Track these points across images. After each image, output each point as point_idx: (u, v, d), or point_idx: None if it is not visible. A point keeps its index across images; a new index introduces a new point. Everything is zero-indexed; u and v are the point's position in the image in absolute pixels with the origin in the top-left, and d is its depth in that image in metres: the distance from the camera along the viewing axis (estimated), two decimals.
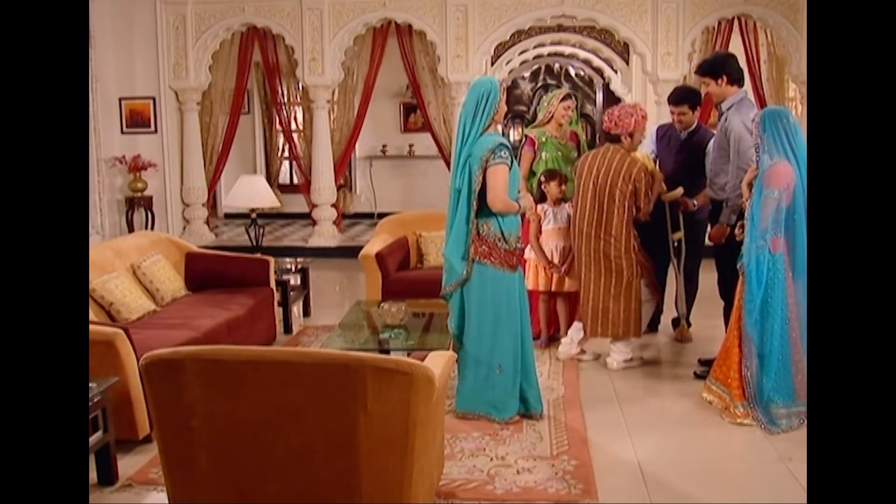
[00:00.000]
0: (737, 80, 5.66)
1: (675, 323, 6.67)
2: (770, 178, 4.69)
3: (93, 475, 4.12)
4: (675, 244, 6.42)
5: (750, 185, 4.84)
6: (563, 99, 6.53)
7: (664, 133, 6.61)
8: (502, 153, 4.65)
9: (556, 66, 16.65)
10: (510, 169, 4.69)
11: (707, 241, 5.87)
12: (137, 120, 11.10)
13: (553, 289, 6.29)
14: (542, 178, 6.32)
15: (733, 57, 6.01)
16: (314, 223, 11.72)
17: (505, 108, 4.86)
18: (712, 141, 5.96)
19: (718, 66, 5.68)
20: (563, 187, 6.25)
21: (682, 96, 6.36)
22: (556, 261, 6.22)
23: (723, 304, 5.76)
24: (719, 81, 5.62)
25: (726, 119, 5.58)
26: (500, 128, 4.92)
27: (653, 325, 6.73)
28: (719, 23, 10.85)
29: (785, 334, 4.73)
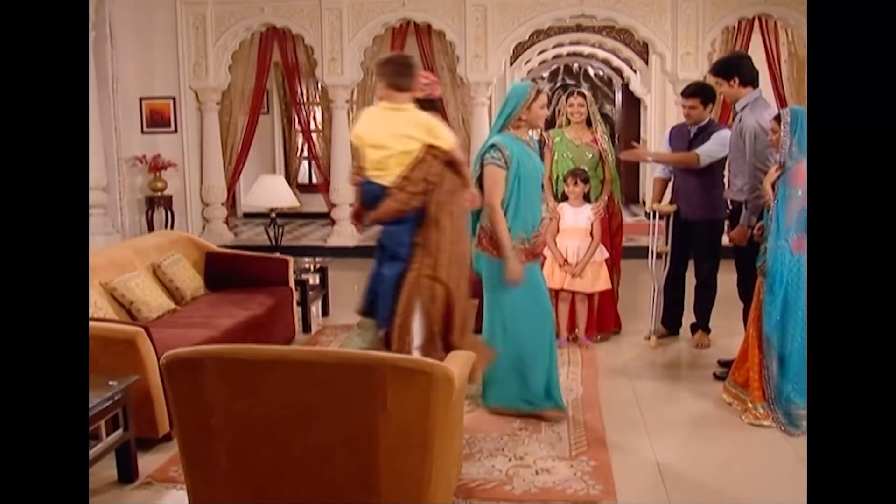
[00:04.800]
0: (750, 82, 5.63)
1: (694, 328, 6.62)
2: (794, 176, 4.66)
3: (113, 473, 4.14)
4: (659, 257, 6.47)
5: (773, 185, 4.81)
6: (569, 96, 6.56)
7: (675, 133, 6.58)
8: (493, 154, 4.76)
9: (575, 66, 16.65)
10: (508, 170, 4.74)
11: (728, 243, 5.80)
12: (157, 120, 11.16)
13: (565, 287, 6.29)
14: (564, 178, 6.36)
15: (747, 58, 5.98)
16: (333, 223, 11.74)
17: (540, 113, 4.87)
18: (728, 140, 5.90)
19: (731, 68, 5.67)
20: (586, 186, 6.27)
21: (694, 90, 6.34)
22: (570, 260, 6.24)
23: (742, 305, 5.72)
24: (731, 83, 5.61)
25: (740, 119, 5.57)
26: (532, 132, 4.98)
27: (674, 329, 6.71)
28: (739, 22, 10.80)
29: (805, 335, 4.69)
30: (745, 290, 5.63)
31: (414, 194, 4.53)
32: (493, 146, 4.78)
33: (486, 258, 4.84)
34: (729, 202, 5.96)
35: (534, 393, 4.89)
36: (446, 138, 4.59)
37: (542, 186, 5.30)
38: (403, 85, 4.61)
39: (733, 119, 5.74)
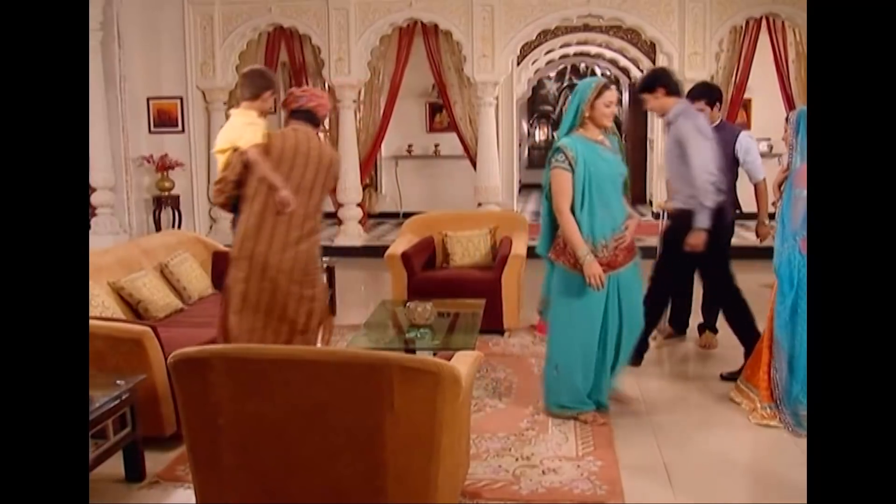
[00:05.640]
0: (674, 92, 5.65)
1: (701, 328, 6.60)
2: (799, 178, 4.66)
3: (121, 471, 4.15)
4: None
5: (780, 187, 4.81)
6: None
7: None
8: (557, 157, 4.66)
9: (582, 65, 16.69)
10: (574, 173, 4.63)
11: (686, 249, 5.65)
12: (165, 119, 11.21)
13: None
14: None
15: (667, 71, 6.12)
16: (340, 222, 11.78)
17: (605, 111, 4.70)
18: (753, 140, 5.90)
19: (651, 81, 5.74)
20: None
21: (699, 92, 6.26)
22: None
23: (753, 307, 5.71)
24: (656, 94, 5.63)
25: (678, 127, 5.56)
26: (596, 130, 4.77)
27: (680, 329, 6.69)
28: (747, 22, 10.81)
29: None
30: (715, 295, 5.81)
31: (219, 191, 4.81)
32: (557, 149, 4.69)
33: (557, 266, 4.80)
34: (665, 213, 5.99)
35: (572, 398, 4.88)
36: (245, 140, 4.78)
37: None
38: (242, 95, 5.18)
39: (666, 131, 5.78)
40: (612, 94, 4.72)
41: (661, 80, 5.68)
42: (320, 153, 4.76)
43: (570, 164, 4.62)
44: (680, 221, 5.59)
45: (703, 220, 5.39)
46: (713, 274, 5.76)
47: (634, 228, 4.82)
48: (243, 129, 4.91)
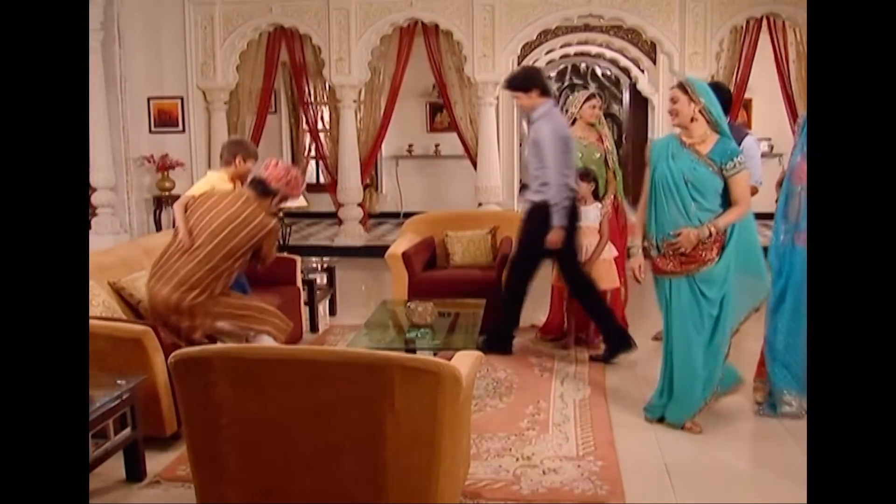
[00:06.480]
0: (546, 93, 5.93)
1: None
2: (797, 174, 4.71)
3: (121, 472, 4.15)
4: None
5: (780, 185, 4.86)
6: (588, 99, 6.53)
7: None
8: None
9: (583, 65, 16.64)
10: (650, 169, 4.70)
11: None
12: (165, 119, 11.19)
13: None
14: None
15: (541, 72, 6.38)
16: (340, 222, 11.78)
17: (671, 109, 4.64)
18: (756, 145, 5.93)
19: (529, 81, 5.97)
20: (592, 185, 6.25)
21: None
22: (579, 258, 6.21)
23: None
24: (530, 94, 5.88)
25: (539, 128, 5.80)
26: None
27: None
28: (748, 22, 10.80)
29: (795, 325, 4.71)
30: (576, 289, 6.08)
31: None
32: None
33: None
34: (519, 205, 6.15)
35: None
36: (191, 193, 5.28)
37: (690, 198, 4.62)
38: (220, 160, 5.77)
39: (528, 128, 6.04)
40: (670, 93, 4.69)
41: (536, 82, 5.97)
42: (242, 213, 4.74)
43: (649, 162, 4.75)
44: (535, 215, 5.90)
45: (558, 219, 5.72)
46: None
47: (688, 240, 4.52)
48: (200, 184, 5.59)
